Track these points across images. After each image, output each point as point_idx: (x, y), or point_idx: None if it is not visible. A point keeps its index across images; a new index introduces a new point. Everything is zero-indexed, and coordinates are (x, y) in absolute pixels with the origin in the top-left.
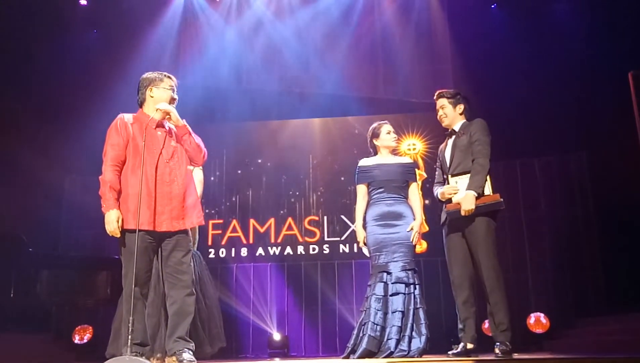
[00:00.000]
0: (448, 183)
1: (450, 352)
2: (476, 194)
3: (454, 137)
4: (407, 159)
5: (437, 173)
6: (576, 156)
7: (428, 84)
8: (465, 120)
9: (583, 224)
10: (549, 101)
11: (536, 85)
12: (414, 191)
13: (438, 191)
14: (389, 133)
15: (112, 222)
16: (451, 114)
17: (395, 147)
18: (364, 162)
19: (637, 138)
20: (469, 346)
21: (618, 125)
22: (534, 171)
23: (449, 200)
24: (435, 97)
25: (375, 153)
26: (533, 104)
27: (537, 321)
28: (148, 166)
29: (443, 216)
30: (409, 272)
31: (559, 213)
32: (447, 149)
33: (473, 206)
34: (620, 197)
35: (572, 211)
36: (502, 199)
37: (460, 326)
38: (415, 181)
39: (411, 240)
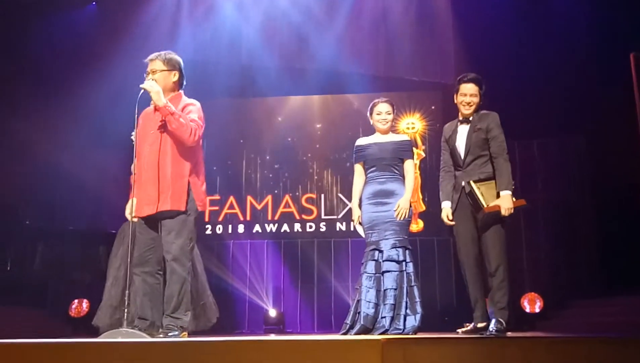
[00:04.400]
0: (456, 172)
1: (460, 330)
2: (511, 192)
3: (468, 127)
4: (403, 137)
5: (443, 157)
6: (575, 137)
7: (429, 63)
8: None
9: (579, 206)
10: (549, 82)
11: (537, 66)
12: (409, 169)
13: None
14: (379, 114)
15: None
16: (477, 103)
17: (384, 130)
18: (360, 141)
19: (637, 120)
20: (480, 325)
21: (618, 107)
22: (533, 152)
23: (470, 195)
24: (464, 80)
25: (374, 131)
26: (534, 85)
27: (531, 301)
28: (141, 152)
29: (454, 205)
30: (400, 250)
31: (555, 195)
32: (458, 137)
33: (512, 205)
34: (617, 180)
35: (569, 192)
36: (526, 204)
37: (472, 304)
38: (411, 158)
39: (395, 216)
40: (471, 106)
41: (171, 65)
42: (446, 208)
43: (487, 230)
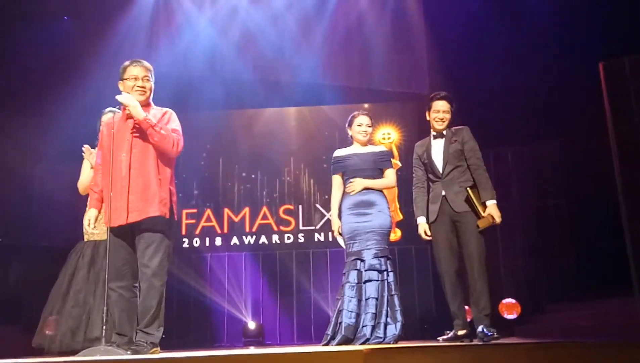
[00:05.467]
0: (432, 184)
1: (440, 338)
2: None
3: (443, 141)
4: (381, 148)
5: (416, 174)
6: (548, 145)
7: (403, 74)
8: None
9: (554, 213)
10: (521, 91)
11: (510, 75)
12: (390, 175)
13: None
14: (360, 126)
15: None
16: (449, 120)
17: (364, 141)
18: (338, 152)
19: (607, 127)
20: (460, 332)
21: (589, 115)
22: (507, 160)
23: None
24: (437, 97)
25: (352, 143)
26: (506, 93)
27: (509, 306)
28: (114, 162)
29: (433, 216)
30: (382, 259)
31: (531, 202)
32: (434, 151)
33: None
34: (591, 186)
35: (544, 199)
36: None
37: (452, 313)
38: (390, 167)
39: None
40: (444, 121)
41: (151, 73)
42: (422, 223)
43: (471, 237)
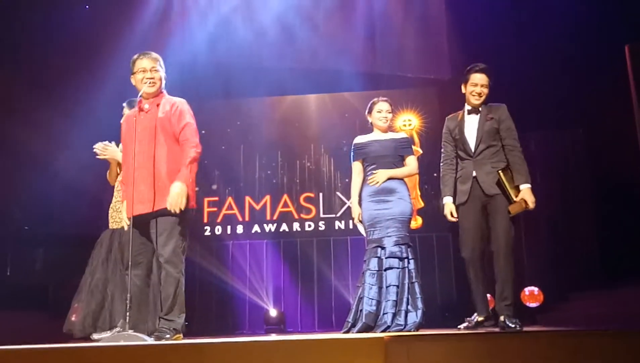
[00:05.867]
0: (461, 163)
1: (461, 326)
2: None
3: (478, 117)
4: (401, 135)
5: (445, 150)
6: (573, 131)
7: (424, 59)
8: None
9: (578, 200)
10: (545, 77)
11: (533, 60)
12: (411, 163)
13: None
14: (379, 112)
15: None
16: (486, 95)
17: (384, 128)
18: (358, 139)
19: (633, 112)
20: (480, 319)
21: (615, 99)
22: (531, 146)
23: (475, 183)
24: (475, 69)
25: (372, 130)
26: (529, 79)
27: (532, 294)
28: (128, 153)
29: (463, 197)
30: (403, 247)
31: (554, 188)
32: (467, 127)
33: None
34: (615, 172)
35: (568, 186)
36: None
37: (473, 299)
38: (412, 154)
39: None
40: (481, 96)
41: (160, 63)
42: (448, 203)
43: (501, 222)
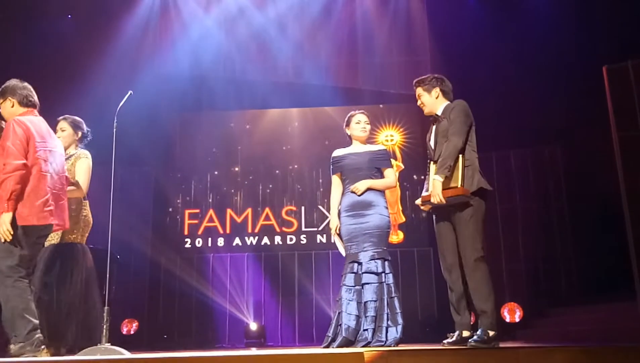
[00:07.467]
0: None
1: (445, 341)
2: (441, 179)
3: (436, 122)
4: (379, 147)
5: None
6: (551, 148)
7: (406, 75)
8: (447, 102)
9: (556, 216)
10: (525, 94)
11: (513, 78)
12: (389, 175)
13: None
14: (358, 123)
15: None
16: (429, 101)
17: (363, 137)
18: (336, 152)
19: (611, 131)
20: (465, 334)
21: (592, 117)
22: (510, 163)
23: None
24: (414, 88)
25: (351, 143)
26: (509, 96)
27: (511, 310)
28: None
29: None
30: (379, 261)
31: (533, 205)
32: (431, 136)
33: (440, 192)
34: (593, 190)
35: (546, 202)
36: (465, 193)
37: (454, 314)
38: (390, 166)
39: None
40: (423, 107)
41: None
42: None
43: (459, 226)
